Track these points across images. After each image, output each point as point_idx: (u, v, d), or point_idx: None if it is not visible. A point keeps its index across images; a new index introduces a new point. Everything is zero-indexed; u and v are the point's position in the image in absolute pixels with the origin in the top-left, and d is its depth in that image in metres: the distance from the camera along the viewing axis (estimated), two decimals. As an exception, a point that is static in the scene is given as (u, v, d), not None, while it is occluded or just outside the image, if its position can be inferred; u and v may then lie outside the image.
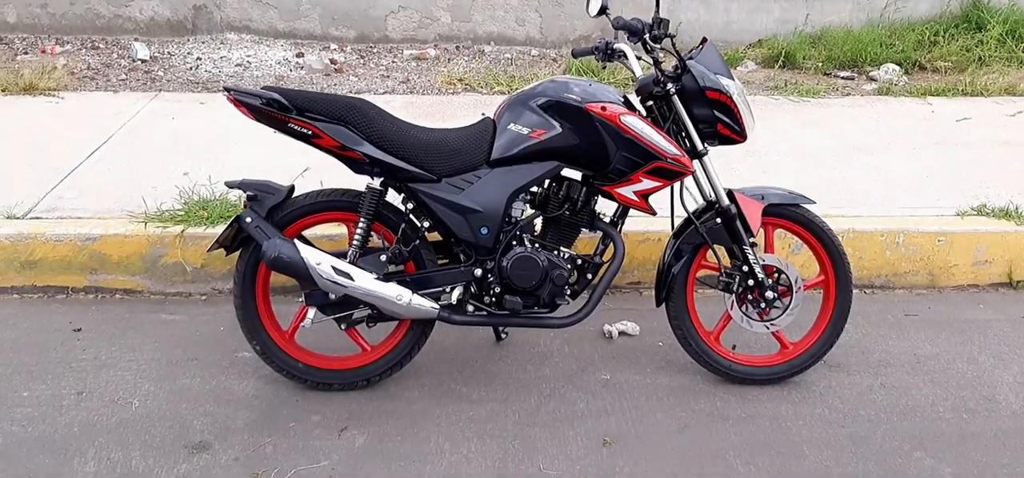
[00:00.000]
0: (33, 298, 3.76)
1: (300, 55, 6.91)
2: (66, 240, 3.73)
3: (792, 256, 3.95)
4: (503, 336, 3.51)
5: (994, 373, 3.41)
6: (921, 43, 7.02)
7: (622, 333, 3.61)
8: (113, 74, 6.29)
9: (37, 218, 3.88)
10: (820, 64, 6.83)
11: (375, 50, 7.18)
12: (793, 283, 3.21)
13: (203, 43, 7.06)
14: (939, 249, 4.05)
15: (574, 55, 3.32)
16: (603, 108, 2.95)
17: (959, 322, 3.79)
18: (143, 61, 6.59)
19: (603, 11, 3.15)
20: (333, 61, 6.80)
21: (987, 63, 6.74)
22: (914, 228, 4.06)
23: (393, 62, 6.93)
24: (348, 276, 2.91)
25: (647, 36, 3.04)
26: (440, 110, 5.58)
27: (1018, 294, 4.06)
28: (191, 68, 6.54)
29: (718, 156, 4.51)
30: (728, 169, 4.56)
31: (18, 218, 3.87)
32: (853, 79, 6.63)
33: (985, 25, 7.07)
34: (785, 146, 5.09)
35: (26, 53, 6.67)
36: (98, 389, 3.13)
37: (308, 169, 4.09)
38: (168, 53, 6.82)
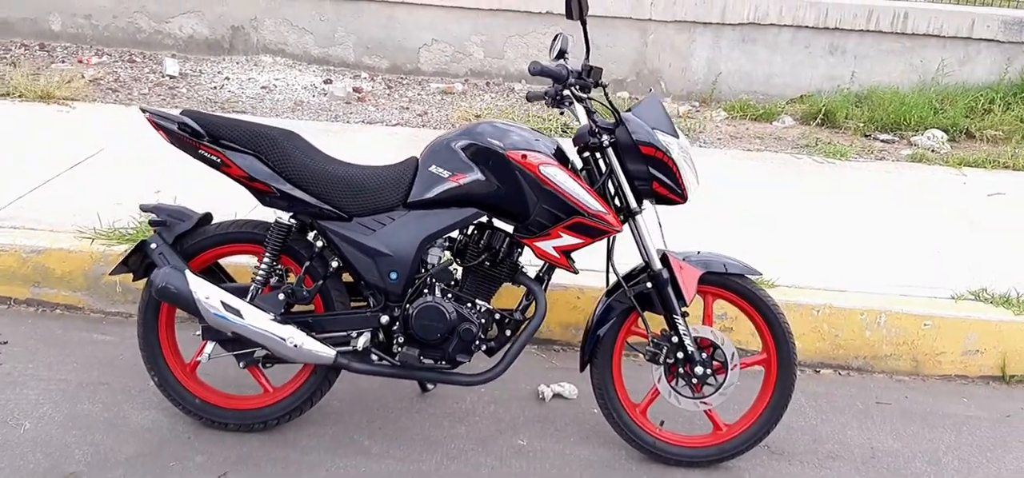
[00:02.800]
0: (-24, 306, 3.78)
1: (328, 82, 6.91)
2: (10, 250, 3.74)
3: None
4: (429, 388, 3.35)
5: (956, 478, 3.09)
6: (973, 110, 6.61)
7: (557, 395, 3.40)
8: (137, 88, 6.39)
9: (-7, 226, 3.91)
10: (861, 125, 6.49)
11: (405, 81, 7.14)
12: (729, 359, 2.96)
13: (237, 64, 7.14)
14: (925, 333, 3.72)
15: (528, 99, 3.15)
16: (524, 156, 2.78)
17: (934, 416, 3.46)
18: (171, 77, 6.68)
19: (562, 55, 2.97)
20: (357, 90, 6.77)
21: (1042, 136, 6.29)
22: (899, 308, 3.74)
23: (419, 94, 6.87)
24: (238, 313, 2.79)
25: (572, 84, 2.85)
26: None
27: (1009, 390, 3.70)
28: (217, 87, 6.60)
29: (708, 215, 4.31)
30: (719, 227, 4.32)
31: (-27, 224, 3.89)
32: (892, 143, 6.27)
33: (1045, 95, 6.62)
34: (788, 208, 4.80)
35: (64, 61, 6.85)
36: (-3, 406, 3.09)
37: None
38: (199, 71, 6.90)
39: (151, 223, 2.94)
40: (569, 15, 2.88)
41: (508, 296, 3.07)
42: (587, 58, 2.95)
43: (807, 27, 7.05)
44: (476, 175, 2.82)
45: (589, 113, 2.90)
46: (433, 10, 7.12)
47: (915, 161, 5.84)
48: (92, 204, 4.13)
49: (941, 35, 6.98)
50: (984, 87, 6.86)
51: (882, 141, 6.32)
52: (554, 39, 3.00)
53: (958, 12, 6.98)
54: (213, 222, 3.02)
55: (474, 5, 7.08)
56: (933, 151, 6.05)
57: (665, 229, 2.95)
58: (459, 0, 7.05)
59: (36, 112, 5.48)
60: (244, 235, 2.99)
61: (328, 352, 2.86)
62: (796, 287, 3.85)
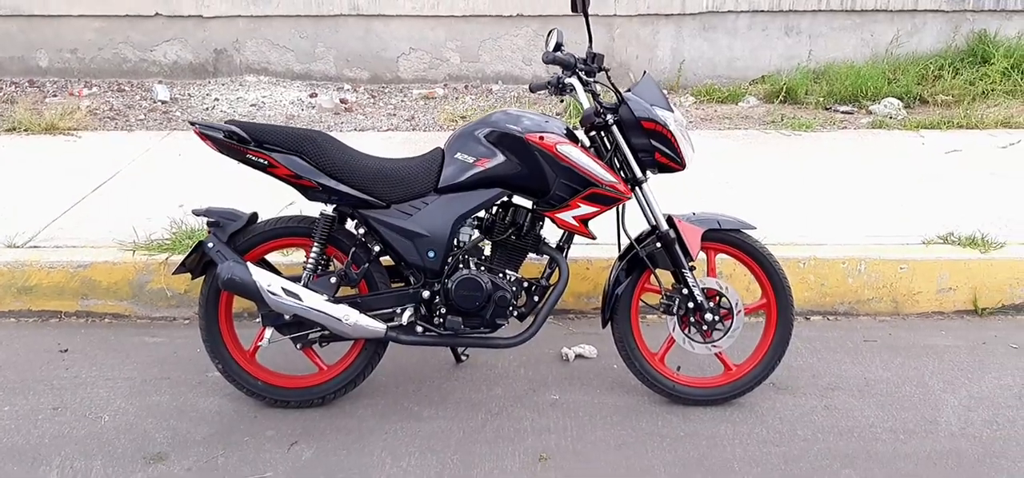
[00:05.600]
0: (28, 322, 4.02)
1: (313, 95, 7.19)
2: (59, 267, 3.99)
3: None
4: (463, 358, 3.66)
5: (941, 397, 3.46)
6: (924, 77, 7.08)
7: (579, 356, 3.74)
8: (133, 115, 6.63)
9: (35, 247, 4.16)
10: (821, 99, 6.92)
11: (386, 90, 7.44)
12: (734, 306, 3.32)
13: (223, 85, 7.39)
14: (902, 276, 4.11)
15: (531, 90, 3.49)
16: (541, 137, 3.11)
17: (917, 348, 3.85)
18: (163, 102, 6.93)
19: (558, 48, 3.31)
20: (343, 101, 7.06)
21: (990, 96, 6.76)
22: (876, 255, 4.13)
23: (402, 101, 7.18)
24: (297, 297, 3.09)
25: (580, 70, 3.20)
26: (436, 145, 5.75)
27: (982, 321, 4.11)
28: (208, 109, 6.85)
29: (694, 187, 4.69)
30: (699, 199, 4.68)
31: (18, 247, 4.14)
32: (852, 114, 6.71)
33: (990, 59, 7.10)
34: (765, 177, 5.19)
35: (55, 95, 7.07)
36: (73, 405, 3.35)
37: (292, 203, 4.28)
38: (188, 94, 7.15)
39: (208, 224, 3.22)
40: (574, 9, 3.23)
41: (529, 270, 3.40)
42: (590, 46, 3.29)
43: (763, 11, 7.47)
44: (499, 158, 3.14)
45: (594, 96, 3.24)
46: (409, 20, 7.44)
47: (875, 128, 6.28)
48: (122, 220, 4.40)
49: (888, 9, 7.44)
50: (933, 55, 7.33)
51: (842, 112, 6.75)
52: (549, 33, 3.35)
53: (903, -14, 7.45)
54: (259, 220, 3.32)
55: (447, 13, 7.41)
56: (891, 118, 6.49)
57: (657, 200, 3.30)
58: (433, 9, 7.38)
59: (46, 144, 5.73)
60: (291, 230, 3.28)
61: (379, 326, 3.17)
62: (781, 244, 4.21)
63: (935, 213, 4.64)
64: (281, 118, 6.62)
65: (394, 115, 6.77)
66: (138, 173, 5.20)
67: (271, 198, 4.06)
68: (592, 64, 3.24)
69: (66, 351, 3.74)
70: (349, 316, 3.12)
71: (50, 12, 7.26)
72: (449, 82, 7.55)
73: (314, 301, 3.11)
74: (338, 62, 7.53)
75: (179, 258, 3.92)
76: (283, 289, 3.09)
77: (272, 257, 3.45)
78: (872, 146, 5.82)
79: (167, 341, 3.85)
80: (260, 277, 3.09)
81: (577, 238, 3.33)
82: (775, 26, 7.50)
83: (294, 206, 4.24)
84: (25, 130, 5.95)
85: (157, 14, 7.30)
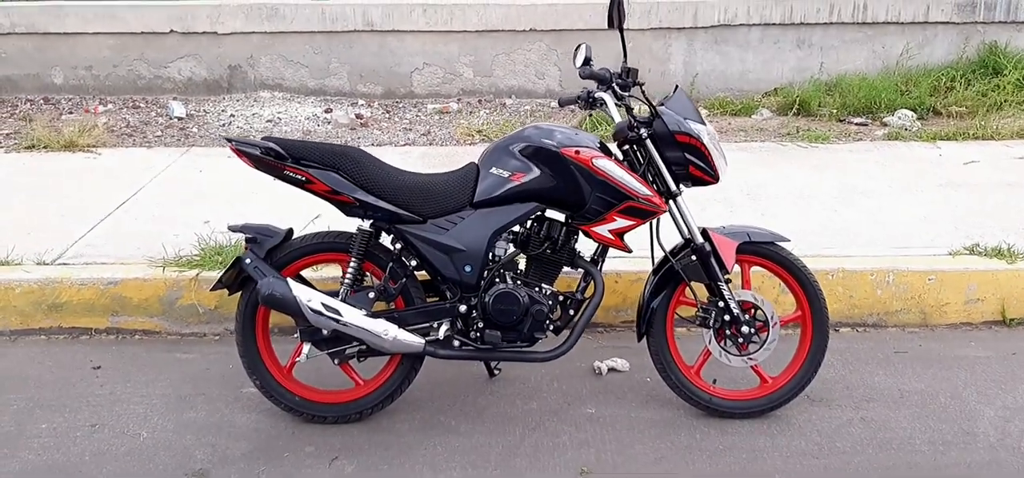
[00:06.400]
0: (58, 339, 4.02)
1: (328, 110, 7.20)
2: (90, 284, 4.00)
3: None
4: (496, 372, 3.66)
5: (976, 407, 3.47)
6: (937, 89, 7.11)
7: (611, 369, 3.74)
8: (150, 131, 6.64)
9: (64, 264, 4.16)
10: (834, 111, 6.94)
11: (401, 105, 7.46)
12: (769, 318, 3.33)
13: (237, 101, 7.40)
14: (930, 287, 4.12)
15: (560, 104, 3.51)
16: (577, 152, 3.12)
17: (948, 359, 3.86)
18: (179, 119, 6.93)
19: (587, 62, 3.33)
20: (359, 116, 7.08)
21: (1003, 108, 6.79)
22: (904, 267, 4.14)
23: (417, 116, 7.19)
24: (336, 312, 3.09)
25: (615, 85, 3.21)
26: (454, 159, 5.66)
27: (1011, 331, 4.12)
28: (224, 124, 6.86)
29: (718, 200, 4.70)
30: (728, 210, 4.70)
31: (47, 264, 4.15)
32: (866, 125, 6.72)
33: (1002, 70, 7.13)
34: (786, 189, 5.21)
35: (71, 113, 7.07)
36: (111, 422, 3.35)
37: (318, 216, 4.29)
38: (203, 111, 7.16)
39: (245, 240, 3.22)
40: (610, 25, 3.26)
41: (563, 284, 3.41)
42: (625, 61, 3.31)
43: (775, 24, 7.50)
44: (534, 173, 3.15)
45: (629, 110, 3.26)
46: (422, 36, 7.45)
47: (891, 139, 6.30)
48: (149, 237, 4.41)
49: (900, 21, 7.46)
50: (945, 67, 7.35)
51: (856, 124, 6.77)
52: (577, 49, 3.37)
53: (914, -1, 7.49)
54: (296, 236, 3.33)
55: (461, 28, 7.43)
56: (905, 129, 6.51)
57: (692, 213, 3.30)
58: (447, 24, 7.40)
59: (66, 161, 5.74)
60: (328, 245, 3.29)
61: (418, 341, 3.18)
62: (808, 256, 4.19)
63: (958, 224, 4.66)
64: (297, 133, 6.63)
65: (410, 130, 6.78)
66: (161, 190, 5.21)
67: (296, 213, 4.07)
68: (627, 78, 3.25)
69: (99, 368, 3.74)
70: (388, 331, 3.13)
71: (66, 30, 7.28)
72: (463, 96, 7.57)
73: (354, 316, 3.12)
74: (352, 77, 7.55)
75: (209, 274, 3.96)
76: (323, 304, 3.09)
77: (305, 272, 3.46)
78: (890, 157, 5.84)
79: (199, 357, 3.85)
80: (300, 293, 3.09)
81: (610, 251, 3.34)
82: (787, 39, 7.53)
83: (321, 219, 4.24)
84: (45, 147, 5.95)
85: (172, 31, 7.31)
